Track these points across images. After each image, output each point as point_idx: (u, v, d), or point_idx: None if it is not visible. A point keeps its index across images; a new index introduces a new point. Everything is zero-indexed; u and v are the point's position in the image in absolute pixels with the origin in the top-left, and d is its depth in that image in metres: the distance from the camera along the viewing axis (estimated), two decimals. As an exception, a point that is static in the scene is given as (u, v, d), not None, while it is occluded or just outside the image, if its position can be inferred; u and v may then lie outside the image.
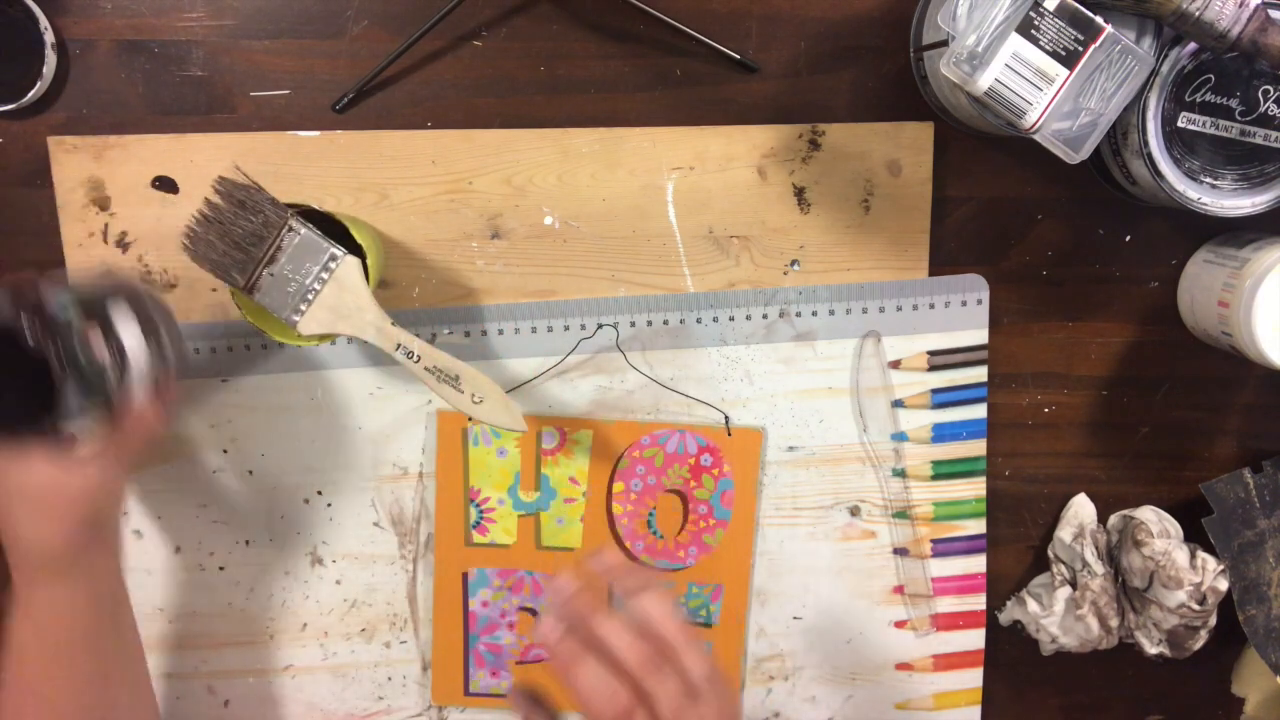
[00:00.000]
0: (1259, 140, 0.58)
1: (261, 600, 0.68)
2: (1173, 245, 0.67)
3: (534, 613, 0.69)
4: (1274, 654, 0.67)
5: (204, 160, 0.63)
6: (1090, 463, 0.70)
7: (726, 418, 0.67)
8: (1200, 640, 0.67)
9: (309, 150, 0.63)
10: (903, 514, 0.68)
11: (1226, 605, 0.67)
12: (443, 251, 0.65)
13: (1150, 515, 0.67)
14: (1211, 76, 0.58)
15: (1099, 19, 0.54)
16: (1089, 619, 0.67)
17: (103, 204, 0.63)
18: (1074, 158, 0.56)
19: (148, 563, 0.67)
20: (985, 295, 0.67)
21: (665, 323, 0.66)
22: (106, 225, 0.63)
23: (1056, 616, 0.67)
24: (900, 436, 0.68)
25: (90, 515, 0.52)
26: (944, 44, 0.55)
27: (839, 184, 0.65)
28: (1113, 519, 0.69)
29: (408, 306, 0.65)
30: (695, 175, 0.65)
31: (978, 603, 0.70)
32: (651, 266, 0.66)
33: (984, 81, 0.54)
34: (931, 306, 0.66)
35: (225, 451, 0.66)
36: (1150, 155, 0.58)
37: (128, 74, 0.62)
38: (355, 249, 0.57)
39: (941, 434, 0.68)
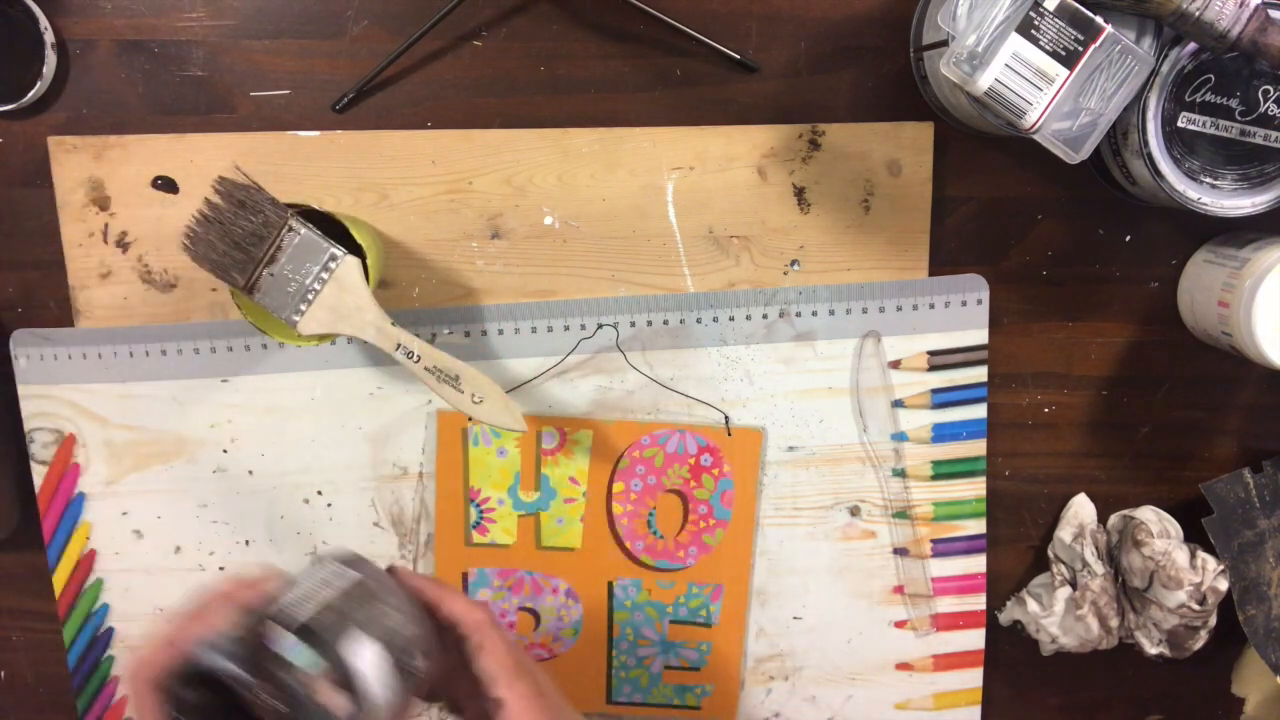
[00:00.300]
0: (1259, 140, 0.58)
1: (261, 600, 0.68)
2: (1173, 245, 0.67)
3: (534, 613, 0.69)
4: (1274, 654, 0.67)
5: (204, 160, 0.63)
6: (1090, 463, 0.70)
7: (726, 418, 0.67)
8: (1200, 640, 0.67)
9: (309, 150, 0.63)
10: (903, 514, 0.68)
11: (1226, 605, 0.67)
12: (443, 251, 0.65)
13: (1150, 515, 0.67)
14: (1211, 76, 0.58)
15: (1099, 19, 0.54)
16: (1089, 619, 0.67)
17: (103, 204, 0.63)
18: (1074, 158, 0.56)
19: (148, 563, 0.67)
20: (985, 295, 0.67)
21: (665, 323, 0.66)
22: (106, 225, 0.63)
23: (1056, 616, 0.67)
24: (900, 436, 0.68)
25: None
26: (944, 44, 0.55)
27: (839, 184, 0.65)
28: (1113, 519, 0.69)
29: (408, 306, 0.65)
30: (695, 175, 0.65)
31: (978, 603, 0.70)
32: (651, 266, 0.66)
33: (984, 81, 0.54)
34: (931, 306, 0.66)
35: (225, 451, 0.66)
36: (1150, 155, 0.58)
37: (128, 74, 0.62)
38: (355, 249, 0.57)
39: (941, 434, 0.68)
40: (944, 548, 0.69)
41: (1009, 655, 0.72)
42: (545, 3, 0.63)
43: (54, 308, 0.65)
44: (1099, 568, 0.67)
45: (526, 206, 0.64)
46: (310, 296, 0.55)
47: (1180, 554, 0.65)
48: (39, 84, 0.61)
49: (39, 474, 0.65)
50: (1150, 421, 0.69)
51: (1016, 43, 0.54)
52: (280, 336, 0.59)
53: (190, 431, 0.66)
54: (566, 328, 0.66)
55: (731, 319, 0.66)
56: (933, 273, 0.66)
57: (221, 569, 0.67)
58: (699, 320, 0.66)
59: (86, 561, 0.66)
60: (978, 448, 0.68)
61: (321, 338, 0.58)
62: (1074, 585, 0.68)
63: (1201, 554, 0.66)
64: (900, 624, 0.70)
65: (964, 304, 0.67)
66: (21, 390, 0.65)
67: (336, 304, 0.56)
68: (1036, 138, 0.55)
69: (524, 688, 0.46)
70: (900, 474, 0.68)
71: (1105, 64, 0.54)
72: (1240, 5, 0.53)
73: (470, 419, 0.66)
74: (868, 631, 0.70)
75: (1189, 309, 0.67)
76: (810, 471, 0.68)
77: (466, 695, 0.49)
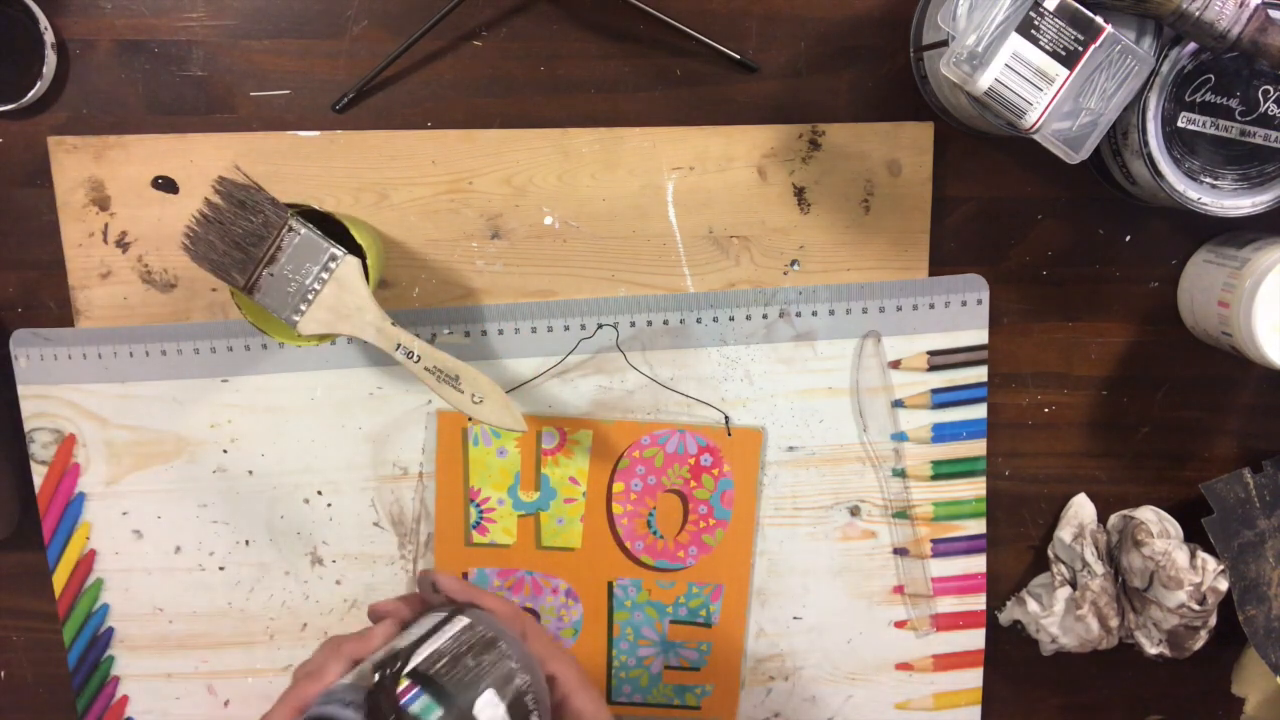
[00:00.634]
0: (1259, 140, 0.58)
1: (261, 600, 0.68)
2: (1173, 245, 0.67)
3: (534, 613, 0.69)
4: (1274, 654, 0.67)
5: (204, 160, 0.63)
6: (1090, 463, 0.70)
7: (726, 418, 0.67)
8: (1200, 640, 0.67)
9: (309, 150, 0.63)
10: (903, 514, 0.68)
11: (1226, 605, 0.66)
12: (443, 251, 0.65)
13: (1150, 515, 0.67)
14: (1211, 76, 0.58)
15: (1099, 19, 0.54)
16: (1089, 619, 0.67)
17: (103, 204, 0.63)
18: (1074, 158, 0.56)
19: (148, 563, 0.67)
20: (985, 295, 0.67)
21: (665, 323, 0.66)
22: (106, 225, 0.63)
23: (1056, 616, 0.67)
24: (900, 436, 0.68)
25: None
26: (944, 44, 0.55)
27: (839, 184, 0.65)
28: (1113, 519, 0.69)
29: (408, 306, 0.65)
30: (695, 175, 0.65)
31: (978, 603, 0.70)
32: (651, 266, 0.66)
33: (984, 81, 0.54)
34: (931, 306, 0.66)
35: (225, 451, 0.66)
36: (1150, 155, 0.58)
37: (128, 74, 0.62)
38: (355, 249, 0.57)
39: (941, 434, 0.68)
40: (944, 548, 0.69)
41: (1009, 655, 0.72)
42: (545, 3, 0.63)
43: (54, 308, 0.65)
44: (1099, 568, 0.67)
45: (526, 206, 0.64)
46: (310, 296, 0.55)
47: (1180, 554, 0.65)
48: (39, 84, 0.61)
49: (39, 474, 0.65)
50: (1150, 421, 0.69)
51: (1016, 43, 0.54)
52: (280, 336, 0.59)
53: (190, 431, 0.66)
54: (566, 328, 0.66)
55: (731, 319, 0.66)
56: (933, 273, 0.66)
57: (222, 569, 0.67)
58: (699, 320, 0.66)
59: (86, 561, 0.66)
60: (978, 448, 0.68)
61: (321, 338, 0.58)
62: (1074, 585, 0.68)
63: (1201, 554, 0.66)
64: (900, 624, 0.70)
65: (964, 304, 0.67)
66: (21, 390, 0.65)
67: (336, 304, 0.56)
68: (1036, 138, 0.55)
69: (569, 659, 0.49)
70: (900, 474, 0.68)
71: (1105, 64, 0.54)
72: (1240, 5, 0.53)
73: (470, 419, 0.66)
74: (868, 631, 0.70)
75: (1189, 309, 0.67)
76: (810, 471, 0.68)
77: None
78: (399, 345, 0.57)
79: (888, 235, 0.66)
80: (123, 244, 0.64)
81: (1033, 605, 0.68)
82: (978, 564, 0.69)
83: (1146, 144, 0.58)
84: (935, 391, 0.67)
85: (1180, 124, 0.58)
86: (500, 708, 0.42)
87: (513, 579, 0.68)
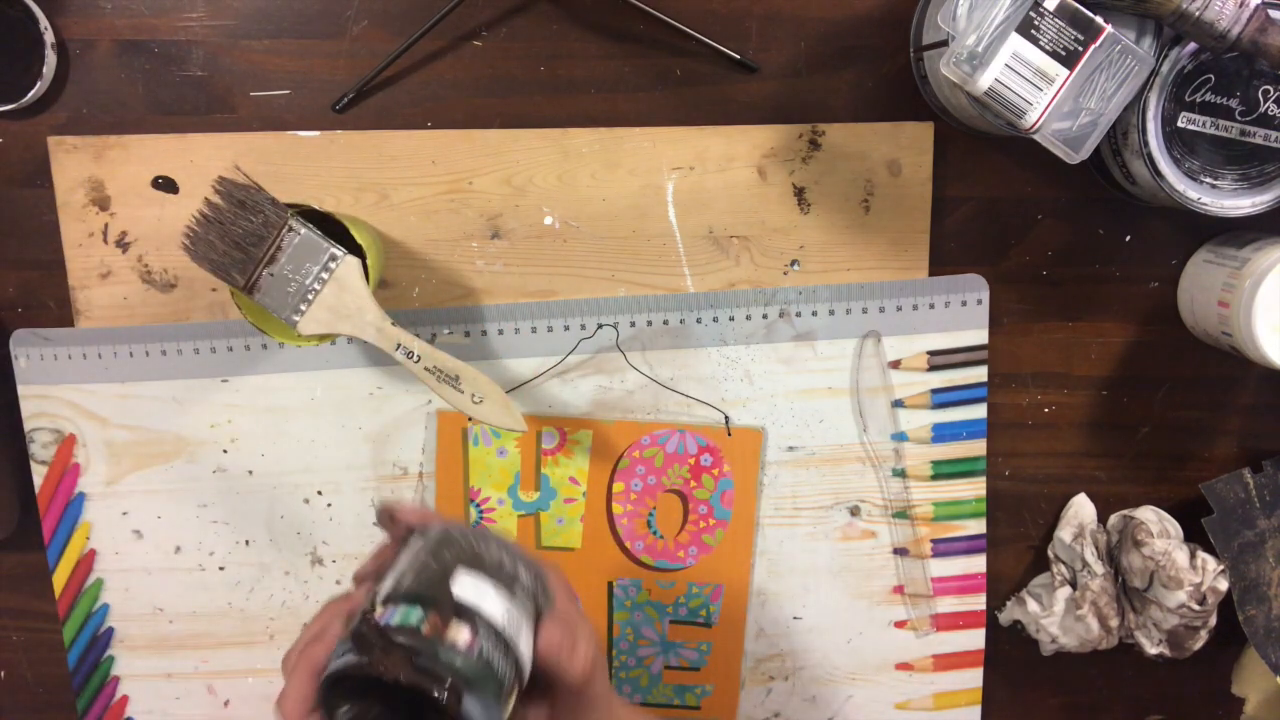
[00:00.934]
0: (1259, 140, 0.58)
1: (261, 600, 0.68)
2: (1173, 245, 0.67)
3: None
4: (1274, 654, 0.67)
5: (204, 160, 0.63)
6: (1090, 463, 0.70)
7: (726, 418, 0.67)
8: (1200, 640, 0.67)
9: (309, 150, 0.63)
10: (903, 514, 0.68)
11: (1226, 605, 0.67)
12: (443, 251, 0.65)
13: (1150, 515, 0.67)
14: (1211, 76, 0.58)
15: (1099, 19, 0.54)
16: (1089, 619, 0.67)
17: (103, 204, 0.63)
18: (1074, 158, 0.56)
19: (148, 563, 0.67)
20: (985, 295, 0.67)
21: (665, 323, 0.66)
22: (106, 225, 0.63)
23: (1056, 616, 0.67)
24: (900, 436, 0.68)
25: None
26: (944, 44, 0.55)
27: (839, 184, 0.65)
28: (1113, 519, 0.69)
29: (408, 306, 0.65)
30: (695, 175, 0.65)
31: (978, 603, 0.70)
32: (651, 266, 0.66)
33: (984, 81, 0.54)
34: (931, 306, 0.66)
35: (225, 451, 0.66)
36: (1150, 155, 0.58)
37: (128, 74, 0.62)
38: (355, 249, 0.57)
39: (941, 434, 0.68)
40: (944, 548, 0.69)
41: (1009, 655, 0.72)
42: (545, 3, 0.63)
43: (54, 308, 0.65)
44: (1099, 568, 0.67)
45: (526, 206, 0.64)
46: (310, 296, 0.55)
47: (1180, 554, 0.65)
48: (39, 84, 0.61)
49: (39, 474, 0.65)
50: (1150, 421, 0.69)
51: (1016, 43, 0.54)
52: (280, 336, 0.59)
53: (190, 431, 0.66)
54: (566, 328, 0.66)
55: (731, 319, 0.66)
56: (933, 273, 0.66)
57: (222, 569, 0.67)
58: (699, 320, 0.66)
59: (86, 561, 0.66)
60: (978, 448, 0.68)
61: (321, 338, 0.58)
62: (1074, 585, 0.68)
63: (1201, 554, 0.66)
64: (900, 624, 0.70)
65: (964, 304, 0.67)
66: (21, 390, 0.65)
67: (336, 304, 0.56)
68: (1036, 138, 0.55)
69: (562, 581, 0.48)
70: (900, 474, 0.68)
71: (1105, 64, 0.54)
72: (1240, 5, 0.53)
73: (470, 419, 0.66)
74: (868, 631, 0.70)
75: (1189, 309, 0.67)
76: (810, 471, 0.68)
77: None
78: (399, 345, 0.57)
79: (888, 235, 0.66)
80: (123, 244, 0.63)
81: (1033, 605, 0.68)
82: (978, 564, 0.69)
83: (1146, 144, 0.58)
84: (935, 391, 0.67)
85: (1180, 124, 0.58)
86: (479, 577, 0.42)
87: (513, 579, 0.68)
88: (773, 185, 0.65)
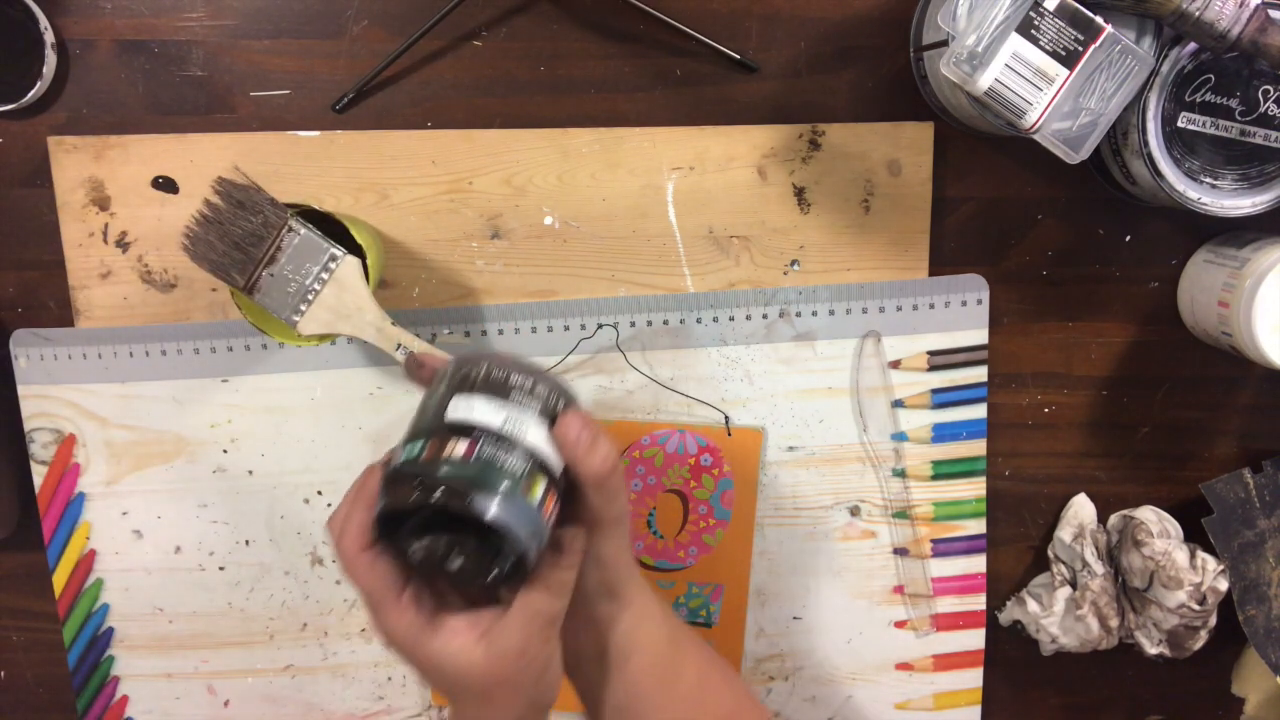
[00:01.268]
0: (1259, 140, 0.58)
1: (261, 600, 0.68)
2: (1173, 245, 0.67)
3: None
4: (1274, 654, 0.67)
5: (204, 160, 0.63)
6: (1090, 463, 0.70)
7: (726, 418, 0.67)
8: (1200, 640, 0.67)
9: (309, 150, 0.63)
10: (903, 514, 0.68)
11: (1226, 605, 0.67)
12: (443, 251, 0.65)
13: (1150, 515, 0.67)
14: (1211, 76, 0.58)
15: (1099, 19, 0.54)
16: (1089, 619, 0.67)
17: (103, 204, 0.63)
18: (1074, 158, 0.56)
19: (148, 563, 0.67)
20: (985, 295, 0.67)
21: (665, 323, 0.66)
22: (106, 225, 0.63)
23: (1056, 616, 0.67)
24: (900, 436, 0.68)
25: (535, 700, 0.46)
26: (944, 44, 0.55)
27: (839, 184, 0.65)
28: (1113, 519, 0.69)
29: (408, 306, 0.65)
30: (695, 175, 0.65)
31: (978, 603, 0.70)
32: (651, 266, 0.66)
33: (984, 81, 0.54)
34: (931, 306, 0.66)
35: (225, 451, 0.66)
36: (1150, 155, 0.58)
37: (128, 74, 0.62)
38: (355, 249, 0.57)
39: (941, 434, 0.68)
40: (944, 548, 0.69)
41: (1009, 655, 0.72)
42: (545, 3, 0.63)
43: (54, 308, 0.65)
44: (1099, 568, 0.67)
45: (526, 206, 0.64)
46: (310, 297, 0.55)
47: (1180, 554, 0.65)
48: (39, 84, 0.61)
49: (39, 474, 0.65)
50: (1150, 421, 0.69)
51: (1016, 43, 0.54)
52: (280, 336, 0.59)
53: (190, 431, 0.66)
54: (566, 328, 0.66)
55: (731, 319, 0.66)
56: (933, 273, 0.66)
57: (222, 569, 0.67)
58: (699, 320, 0.66)
59: (86, 561, 0.66)
60: (978, 448, 0.68)
61: (321, 338, 0.58)
62: (1074, 585, 0.68)
63: (1201, 554, 0.66)
64: (900, 624, 0.70)
65: (964, 304, 0.67)
66: (21, 390, 0.65)
67: (336, 304, 0.56)
68: (1036, 138, 0.55)
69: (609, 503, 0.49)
70: (900, 474, 0.68)
71: (1105, 64, 0.54)
72: (1240, 5, 0.53)
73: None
74: (868, 631, 0.70)
75: (1189, 309, 0.67)
76: (810, 471, 0.68)
77: None
78: (399, 345, 0.57)
79: (888, 235, 0.66)
80: (123, 244, 0.63)
81: (1033, 605, 0.68)
82: (978, 564, 0.69)
83: (1146, 144, 0.58)
84: (935, 391, 0.67)
85: (1180, 124, 0.58)
86: (470, 395, 0.45)
87: (513, 579, 0.68)
88: (773, 185, 0.65)
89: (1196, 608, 0.65)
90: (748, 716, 0.54)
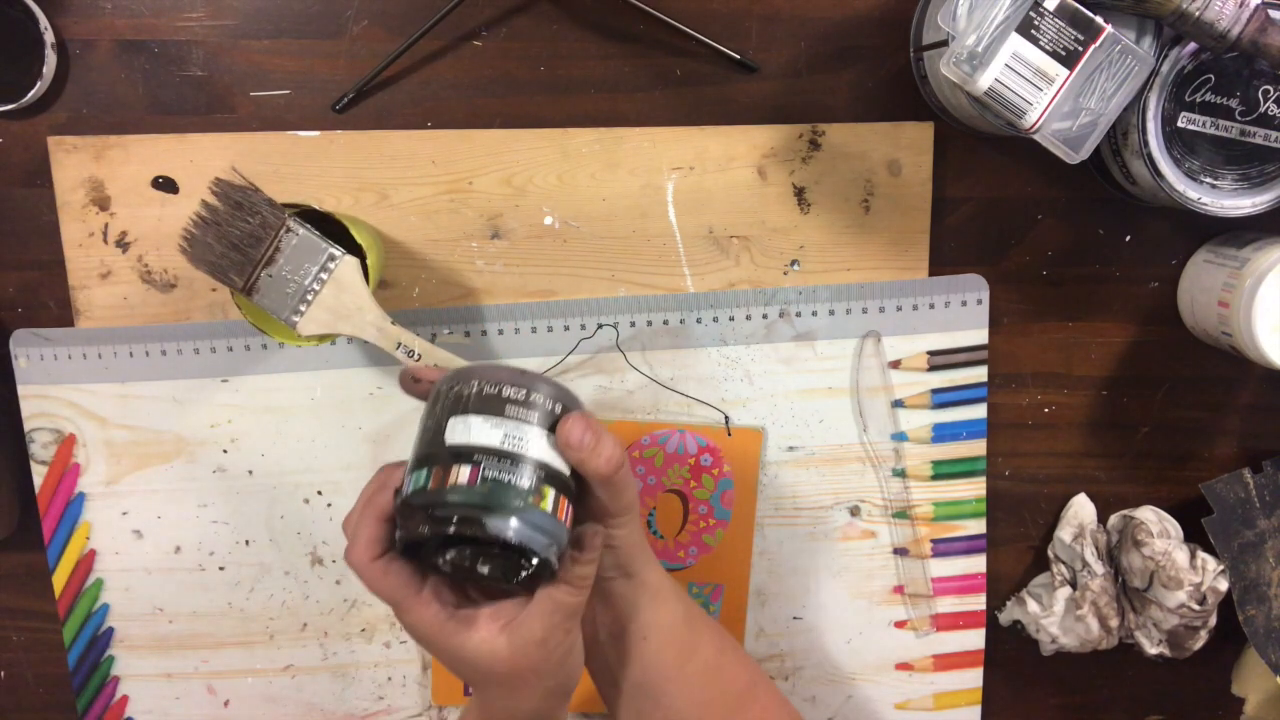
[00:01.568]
0: (1259, 140, 0.58)
1: (261, 600, 0.68)
2: (1173, 245, 0.67)
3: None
4: (1274, 654, 0.67)
5: (204, 160, 0.63)
6: (1090, 463, 0.70)
7: (726, 418, 0.67)
8: (1200, 640, 0.67)
9: (309, 150, 0.63)
10: (903, 514, 0.68)
11: (1226, 605, 0.66)
12: (443, 251, 0.65)
13: (1150, 515, 0.67)
14: (1211, 76, 0.58)
15: (1099, 19, 0.54)
16: (1089, 619, 0.67)
17: (103, 204, 0.63)
18: (1074, 158, 0.55)
19: (148, 563, 0.67)
20: (985, 295, 0.67)
21: (665, 323, 0.66)
22: (106, 225, 0.63)
23: (1056, 616, 0.67)
24: (900, 436, 0.68)
25: (558, 686, 0.48)
26: (944, 44, 0.55)
27: (839, 184, 0.65)
28: (1113, 519, 0.69)
29: (408, 306, 0.65)
30: (695, 175, 0.65)
31: (978, 603, 0.70)
32: (651, 266, 0.66)
33: (984, 81, 0.54)
34: (931, 306, 0.66)
35: (225, 451, 0.66)
36: (1150, 155, 0.58)
37: (128, 74, 0.62)
38: (355, 249, 0.56)
39: (941, 434, 0.68)
40: (944, 548, 0.69)
41: (1009, 655, 0.72)
42: (545, 3, 0.63)
43: (54, 308, 0.65)
44: (1099, 568, 0.67)
45: (526, 206, 0.64)
46: (309, 297, 0.55)
47: (1180, 554, 0.65)
48: (39, 84, 0.61)
49: (39, 474, 0.65)
50: (1150, 421, 0.69)
51: (1016, 43, 0.54)
52: (280, 337, 0.59)
53: (190, 431, 0.66)
54: (566, 328, 0.66)
55: (731, 319, 0.66)
56: (933, 273, 0.66)
57: (222, 569, 0.67)
58: (699, 320, 0.66)
59: (86, 561, 0.66)
60: (978, 448, 0.68)
61: (321, 338, 0.58)
62: (1074, 585, 0.68)
63: (1201, 554, 0.66)
64: (900, 624, 0.70)
65: (964, 304, 0.67)
66: (21, 390, 0.65)
67: (336, 304, 0.56)
68: (1036, 138, 0.55)
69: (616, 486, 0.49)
70: (900, 474, 0.68)
71: (1105, 64, 0.54)
72: (1240, 5, 0.53)
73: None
74: (868, 631, 0.70)
75: (1189, 309, 0.67)
76: (810, 471, 0.68)
77: None
78: (399, 344, 0.57)
79: (888, 235, 0.66)
80: (123, 244, 0.63)
81: (1033, 605, 0.68)
82: (978, 564, 0.69)
83: (1146, 144, 0.58)
84: (935, 391, 0.67)
85: (1180, 124, 0.58)
86: (466, 416, 0.45)
87: (513, 579, 0.68)
88: (773, 185, 0.65)
89: (1196, 608, 0.65)
90: (762, 691, 0.55)
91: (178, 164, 0.63)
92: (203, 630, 0.68)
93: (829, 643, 0.70)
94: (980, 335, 0.67)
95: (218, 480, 0.66)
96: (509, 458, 0.44)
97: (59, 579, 0.67)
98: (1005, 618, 0.70)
